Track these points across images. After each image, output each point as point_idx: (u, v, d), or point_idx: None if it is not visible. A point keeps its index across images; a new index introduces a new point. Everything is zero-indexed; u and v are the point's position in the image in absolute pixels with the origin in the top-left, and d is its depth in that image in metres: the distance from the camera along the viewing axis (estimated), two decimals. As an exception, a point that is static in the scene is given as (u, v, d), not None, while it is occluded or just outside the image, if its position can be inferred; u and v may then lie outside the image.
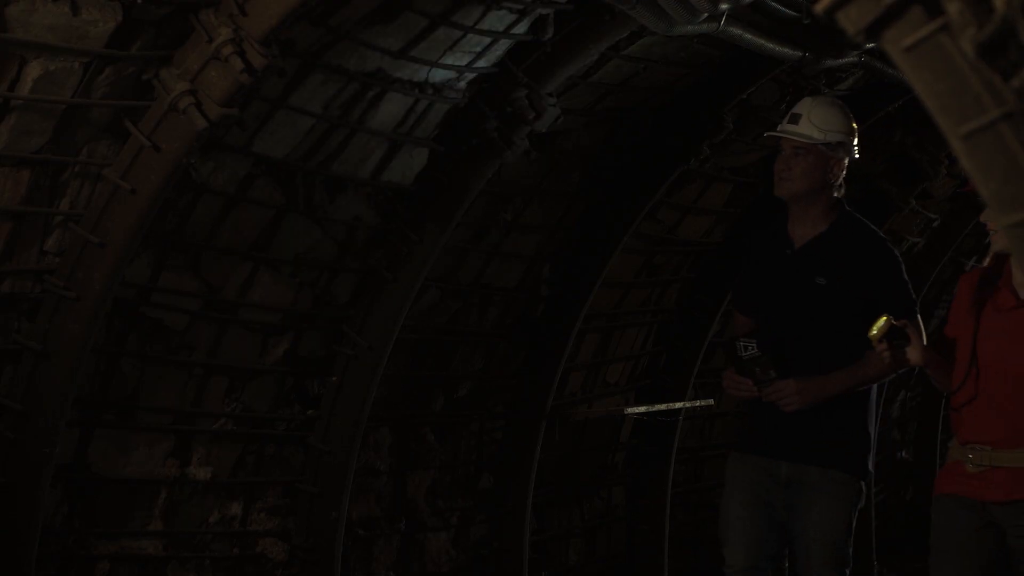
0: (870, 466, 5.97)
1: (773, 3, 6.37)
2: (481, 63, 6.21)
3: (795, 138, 5.80)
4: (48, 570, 5.46)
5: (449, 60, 6.03)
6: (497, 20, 5.97)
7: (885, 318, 5.07)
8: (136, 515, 5.94)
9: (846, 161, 5.88)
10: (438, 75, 6.09)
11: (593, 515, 8.98)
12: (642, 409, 8.79)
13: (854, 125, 5.90)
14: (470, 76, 6.23)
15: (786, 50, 6.86)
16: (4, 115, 4.57)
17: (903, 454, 12.82)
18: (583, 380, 8.49)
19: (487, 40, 6.06)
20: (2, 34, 4.33)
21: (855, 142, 5.89)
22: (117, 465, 5.79)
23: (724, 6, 5.72)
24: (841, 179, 5.90)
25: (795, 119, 5.86)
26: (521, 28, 6.11)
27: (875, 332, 5.07)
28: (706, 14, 5.67)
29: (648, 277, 8.66)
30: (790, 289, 5.88)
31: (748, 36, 6.45)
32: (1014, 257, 4.98)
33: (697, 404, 9.16)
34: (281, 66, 4.92)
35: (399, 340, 6.63)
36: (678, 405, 8.95)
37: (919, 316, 5.75)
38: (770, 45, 6.71)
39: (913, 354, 5.18)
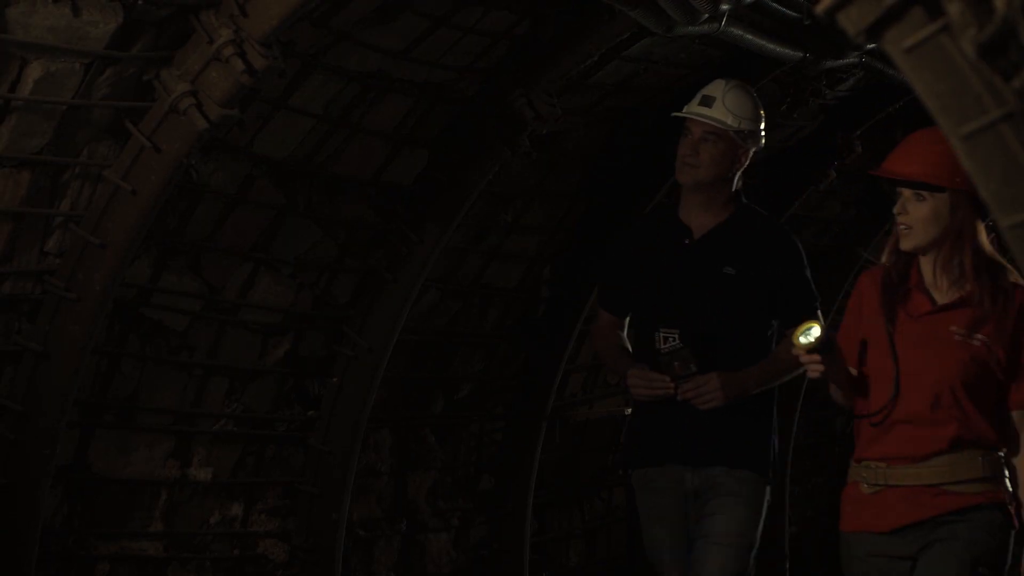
0: (774, 468, 5.55)
1: (774, 4, 6.37)
2: (482, 64, 6.21)
3: (708, 122, 5.43)
4: (48, 571, 5.45)
5: (450, 61, 6.04)
6: (497, 21, 5.97)
7: (816, 325, 4.51)
8: (136, 516, 5.93)
9: (752, 152, 5.52)
10: (439, 76, 6.09)
11: (594, 516, 8.98)
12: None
13: (763, 113, 5.58)
14: (471, 77, 6.23)
15: (787, 51, 6.86)
16: (5, 116, 4.57)
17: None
18: (583, 381, 8.48)
19: (487, 41, 6.07)
20: (3, 35, 4.33)
21: (763, 132, 5.56)
22: (117, 466, 5.79)
23: (725, 7, 5.72)
24: (742, 170, 5.53)
25: (708, 102, 5.48)
26: (522, 29, 6.11)
27: (804, 341, 4.49)
28: (707, 15, 5.67)
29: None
30: (694, 280, 5.47)
31: (749, 37, 6.45)
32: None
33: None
34: (282, 67, 4.92)
35: (399, 341, 6.63)
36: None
37: (819, 315, 5.39)
38: (771, 46, 6.71)
39: (836, 366, 4.60)
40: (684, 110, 5.49)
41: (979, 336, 4.53)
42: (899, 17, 2.20)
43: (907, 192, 4.56)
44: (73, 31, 4.50)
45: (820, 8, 2.25)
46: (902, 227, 4.60)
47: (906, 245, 4.61)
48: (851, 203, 10.05)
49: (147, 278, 5.59)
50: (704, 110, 5.47)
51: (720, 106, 5.47)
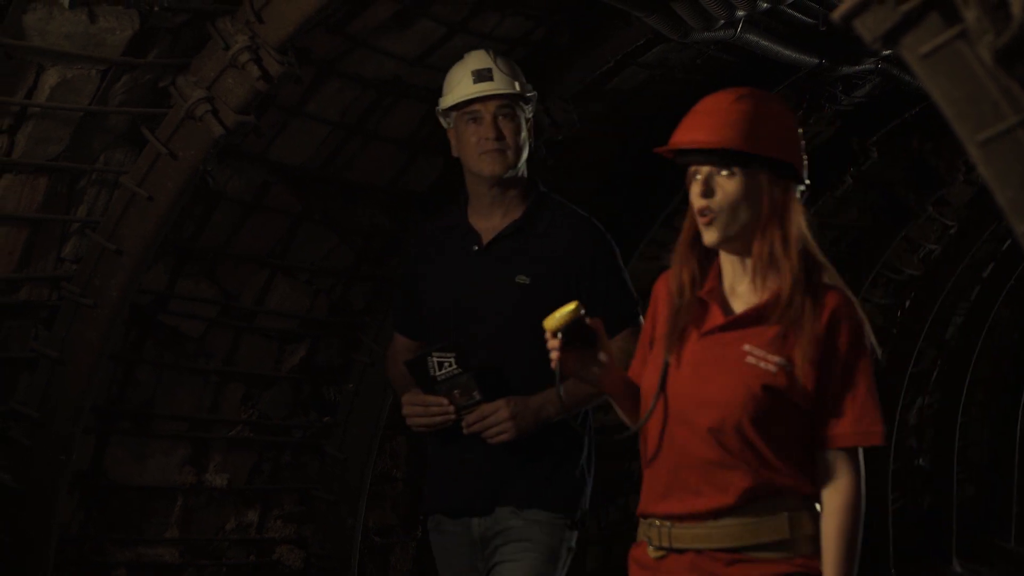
0: (583, 509, 4.70)
1: (790, 10, 6.36)
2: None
3: (501, 93, 4.66)
4: (65, 577, 5.47)
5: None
6: (514, 27, 5.98)
7: (574, 306, 3.59)
8: (152, 522, 5.94)
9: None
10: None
11: (610, 523, 8.97)
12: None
13: None
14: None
15: (803, 57, 6.85)
16: (21, 123, 4.58)
17: (920, 462, 12.78)
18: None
19: (504, 47, 6.07)
20: (19, 42, 4.34)
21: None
22: (133, 472, 5.80)
23: (740, 13, 5.71)
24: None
25: (485, 75, 4.73)
26: (538, 35, 6.11)
27: (553, 322, 3.58)
28: (723, 21, 5.67)
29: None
30: (483, 294, 4.65)
31: (764, 43, 6.45)
32: None
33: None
34: (298, 73, 4.93)
35: (415, 347, 6.63)
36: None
37: (640, 322, 4.47)
38: (787, 52, 6.71)
39: (594, 368, 3.65)
40: (458, 95, 4.71)
41: (776, 359, 3.50)
42: (916, 23, 2.20)
43: (706, 169, 3.54)
44: (89, 38, 4.51)
45: (836, 14, 2.25)
46: (704, 216, 3.54)
47: (712, 238, 3.54)
48: (868, 209, 10.04)
49: (163, 284, 5.60)
50: (489, 85, 4.72)
51: (500, 75, 4.74)
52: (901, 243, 10.40)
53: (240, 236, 5.79)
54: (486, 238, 4.72)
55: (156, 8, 4.57)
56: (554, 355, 3.62)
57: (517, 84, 4.74)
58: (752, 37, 6.26)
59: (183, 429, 5.99)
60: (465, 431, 4.63)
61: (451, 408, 4.61)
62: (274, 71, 4.78)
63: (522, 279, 4.63)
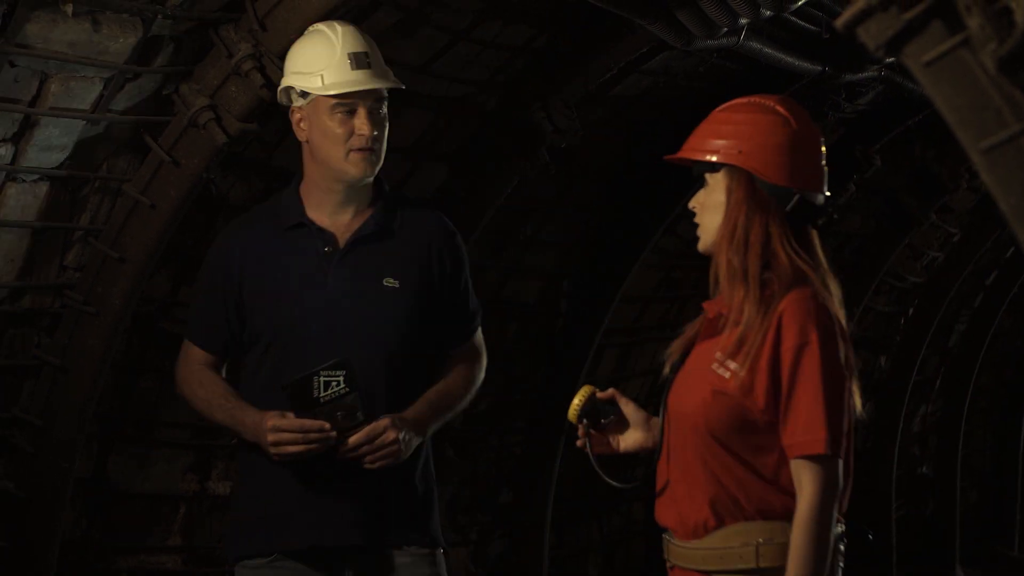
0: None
1: (793, 18, 6.36)
2: (501, 78, 6.21)
3: (385, 87, 4.17)
4: (67, 585, 5.47)
5: (469, 75, 6.04)
6: (516, 35, 5.98)
7: (587, 390, 3.64)
8: (155, 530, 5.94)
9: None
10: (458, 90, 6.09)
11: (612, 531, 8.97)
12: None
13: None
14: (490, 91, 6.23)
15: (806, 64, 6.85)
16: (25, 130, 4.59)
17: (923, 469, 12.78)
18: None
19: (507, 55, 6.07)
20: (23, 49, 4.34)
21: None
22: (136, 480, 5.80)
23: (743, 21, 5.71)
24: None
25: (363, 61, 4.14)
26: (541, 43, 6.12)
27: (574, 412, 3.63)
28: (725, 29, 5.67)
29: (667, 292, 8.65)
30: (347, 299, 4.13)
31: (767, 51, 6.45)
32: None
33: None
34: (301, 81, 4.92)
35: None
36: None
37: (480, 334, 4.36)
38: (790, 59, 6.71)
39: (625, 437, 3.69)
40: (335, 84, 4.13)
41: (732, 364, 3.41)
42: (919, 31, 2.20)
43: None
44: (93, 46, 4.51)
45: (840, 22, 2.25)
46: (696, 224, 3.59)
47: (699, 245, 3.56)
48: (871, 217, 10.04)
49: (166, 292, 5.60)
50: (367, 75, 4.14)
51: (377, 61, 4.19)
52: (904, 250, 10.39)
53: (243, 244, 5.78)
54: (342, 238, 4.18)
55: (159, 16, 4.57)
56: (578, 442, 3.65)
57: (391, 73, 4.20)
58: (755, 44, 6.26)
59: (186, 437, 5.99)
60: (342, 456, 4.02)
61: (332, 433, 3.98)
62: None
63: (390, 282, 4.16)
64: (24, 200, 4.72)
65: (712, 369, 3.44)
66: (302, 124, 4.24)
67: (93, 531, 5.65)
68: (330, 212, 4.21)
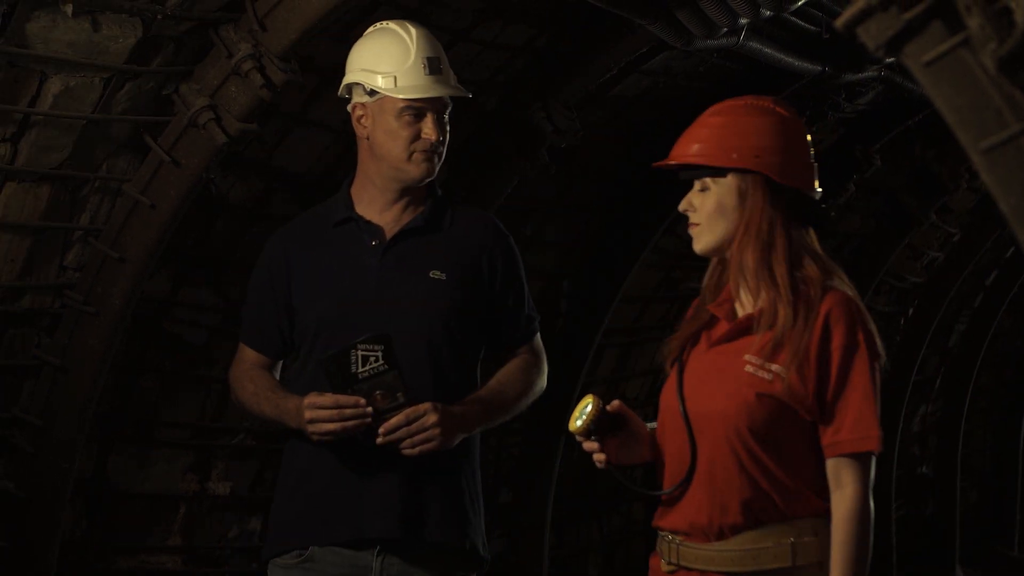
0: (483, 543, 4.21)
1: (793, 18, 6.37)
2: (501, 78, 6.21)
3: (458, 95, 4.22)
4: (67, 585, 5.47)
5: (469, 75, 6.04)
6: (516, 35, 5.98)
7: (591, 400, 3.55)
8: (155, 530, 5.94)
9: None
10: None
11: (612, 530, 8.96)
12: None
13: None
14: (490, 91, 6.23)
15: (806, 64, 6.86)
16: (24, 131, 4.59)
17: (923, 469, 12.78)
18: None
19: (507, 55, 6.07)
20: (22, 50, 4.34)
21: None
22: (136, 480, 5.80)
23: (743, 21, 5.72)
24: None
25: (436, 67, 4.17)
26: (541, 43, 6.12)
27: (579, 424, 3.53)
28: (725, 29, 5.67)
29: (666, 292, 8.65)
30: (393, 288, 4.11)
31: (767, 51, 6.45)
32: None
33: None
34: (301, 81, 4.93)
35: (418, 355, 6.62)
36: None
37: (539, 337, 4.36)
38: (789, 60, 6.71)
39: (637, 447, 3.64)
40: (411, 88, 4.13)
41: (773, 367, 3.43)
42: (919, 31, 2.20)
43: (695, 183, 3.59)
44: (93, 46, 4.51)
45: (840, 22, 2.25)
46: (691, 227, 3.58)
47: (696, 247, 3.58)
48: (871, 217, 10.04)
49: (166, 292, 5.60)
50: (439, 81, 4.18)
51: (447, 67, 4.23)
52: (904, 250, 10.40)
53: (243, 244, 5.79)
54: (389, 232, 4.18)
55: (159, 16, 4.57)
56: (597, 456, 3.59)
57: (456, 80, 4.24)
58: (755, 45, 6.26)
59: (186, 437, 5.99)
60: (380, 440, 3.93)
61: (368, 410, 3.89)
62: (277, 79, 4.79)
63: (436, 274, 4.13)
64: (23, 200, 4.72)
65: (749, 372, 3.44)
66: (364, 120, 4.22)
67: (93, 531, 5.65)
68: (380, 209, 4.21)
